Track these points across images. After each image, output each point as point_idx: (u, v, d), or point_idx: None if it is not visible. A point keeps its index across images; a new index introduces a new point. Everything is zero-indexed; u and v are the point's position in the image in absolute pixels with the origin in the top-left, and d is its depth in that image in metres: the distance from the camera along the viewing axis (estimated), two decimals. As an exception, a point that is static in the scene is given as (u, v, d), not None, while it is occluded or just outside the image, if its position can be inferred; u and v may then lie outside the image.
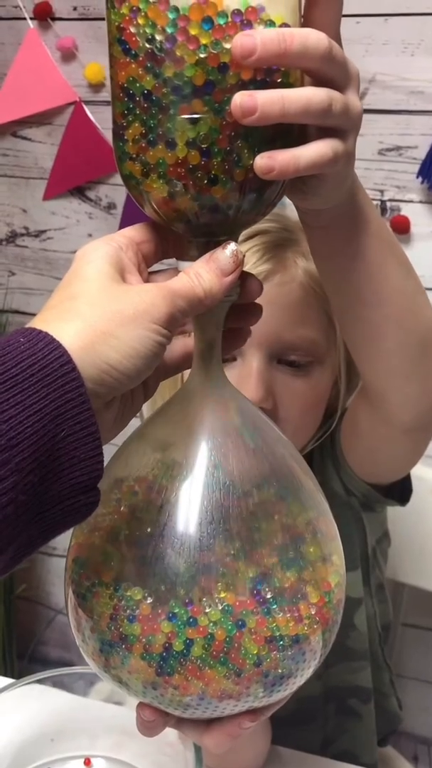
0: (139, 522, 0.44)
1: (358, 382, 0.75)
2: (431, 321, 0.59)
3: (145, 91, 0.39)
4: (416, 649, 1.38)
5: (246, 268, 0.45)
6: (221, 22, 0.38)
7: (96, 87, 1.39)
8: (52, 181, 1.46)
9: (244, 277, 0.45)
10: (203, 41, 0.38)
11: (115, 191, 1.43)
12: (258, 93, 0.38)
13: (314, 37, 0.39)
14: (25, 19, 1.38)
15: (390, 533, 0.89)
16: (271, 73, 0.39)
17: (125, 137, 0.41)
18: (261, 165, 0.39)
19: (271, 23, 0.39)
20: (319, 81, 0.41)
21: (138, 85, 0.40)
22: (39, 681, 0.68)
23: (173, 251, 0.46)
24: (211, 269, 0.42)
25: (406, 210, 1.26)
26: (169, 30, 0.38)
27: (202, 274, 0.42)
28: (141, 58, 0.39)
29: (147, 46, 0.39)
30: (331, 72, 0.41)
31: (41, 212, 1.50)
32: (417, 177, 1.23)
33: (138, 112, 0.40)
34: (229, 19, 0.38)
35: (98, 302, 0.39)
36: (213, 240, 0.43)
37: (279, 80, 0.40)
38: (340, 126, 0.42)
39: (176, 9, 0.38)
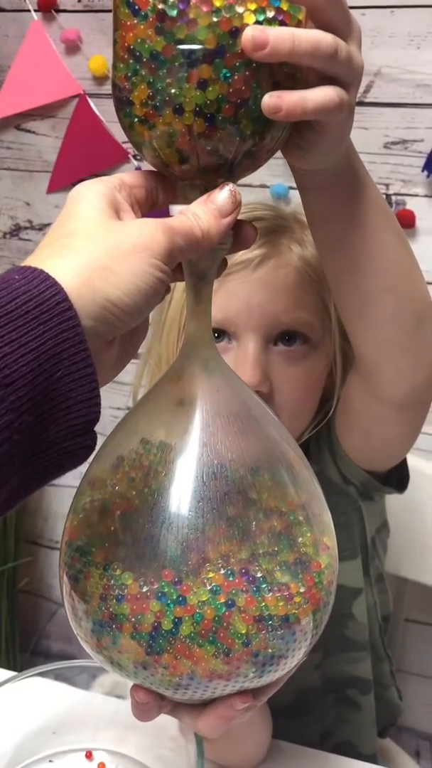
0: (128, 503, 0.44)
1: (351, 366, 0.75)
2: (425, 293, 0.59)
3: (154, 52, 0.39)
4: (419, 644, 1.38)
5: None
6: None
7: (100, 80, 1.38)
8: (56, 175, 1.45)
9: (238, 225, 0.45)
10: (217, 4, 0.38)
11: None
12: (269, 28, 0.39)
13: None
14: (29, 11, 1.37)
15: (393, 529, 0.89)
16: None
17: (131, 99, 0.41)
18: (269, 104, 0.40)
19: None
20: (323, 27, 0.41)
21: (146, 46, 0.40)
22: (41, 674, 0.69)
23: (165, 200, 0.46)
24: (209, 210, 0.42)
25: (412, 204, 1.25)
26: None
27: (199, 215, 0.41)
28: (151, 19, 0.39)
29: (159, 6, 0.39)
30: (335, 16, 0.41)
31: (45, 205, 1.50)
32: (422, 171, 1.23)
33: (144, 73, 0.40)
34: None
35: (95, 238, 0.38)
36: (211, 184, 0.43)
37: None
38: (342, 75, 0.42)
39: None
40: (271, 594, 0.42)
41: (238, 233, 0.45)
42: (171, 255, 0.39)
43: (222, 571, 0.42)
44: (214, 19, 0.38)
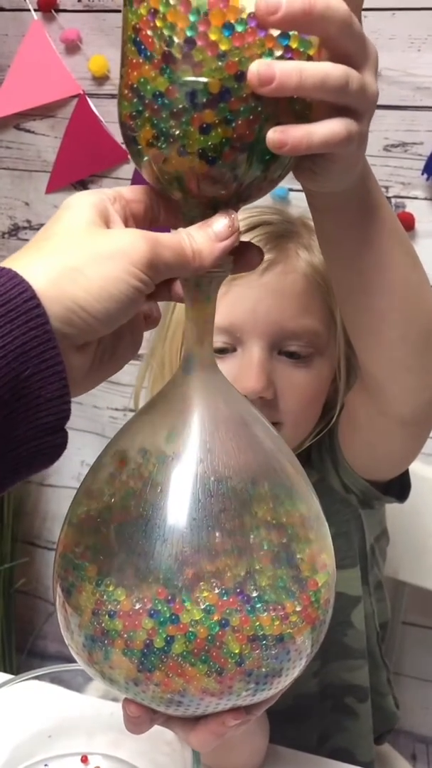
0: (123, 516, 0.43)
1: (357, 378, 0.74)
2: None
3: (157, 93, 0.39)
4: (416, 647, 1.38)
5: (248, 256, 0.44)
6: (240, 29, 0.37)
7: (100, 80, 1.38)
8: (55, 174, 1.45)
9: (245, 246, 0.44)
10: (222, 47, 0.37)
11: (118, 185, 1.42)
12: (276, 62, 0.38)
13: (336, 2, 0.38)
14: (29, 10, 1.37)
15: (391, 532, 0.89)
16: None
17: (136, 138, 0.41)
18: (273, 139, 0.38)
19: None
20: (337, 56, 0.40)
21: (149, 87, 0.39)
22: (37, 677, 0.68)
23: (165, 220, 0.45)
24: (204, 232, 0.41)
25: (411, 206, 1.25)
26: (188, 33, 0.37)
27: (194, 235, 0.41)
28: (156, 60, 0.38)
29: (165, 48, 0.38)
30: (349, 45, 0.40)
31: (44, 205, 1.49)
32: (422, 174, 1.22)
33: (148, 114, 0.40)
34: (248, 27, 0.37)
35: (73, 241, 0.38)
36: (212, 212, 0.42)
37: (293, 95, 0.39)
38: (354, 106, 0.41)
39: (197, 11, 0.37)
40: (266, 614, 0.42)
41: (244, 254, 0.44)
42: (152, 266, 0.38)
43: (216, 591, 0.41)
44: (220, 63, 0.37)
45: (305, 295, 0.71)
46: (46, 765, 0.67)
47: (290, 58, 0.38)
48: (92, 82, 1.38)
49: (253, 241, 0.70)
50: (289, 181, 1.33)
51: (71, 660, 0.45)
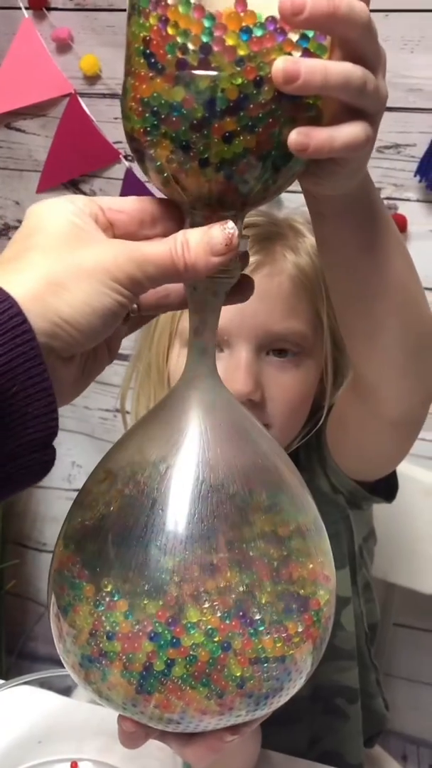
0: (120, 535, 0.42)
1: (343, 379, 0.74)
2: (429, 316, 0.59)
3: (174, 104, 0.37)
4: (406, 648, 1.38)
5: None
6: (258, 33, 0.36)
7: (91, 79, 1.37)
8: (46, 174, 1.44)
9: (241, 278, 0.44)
10: (240, 52, 0.36)
11: (109, 184, 1.42)
12: (301, 60, 0.37)
13: (359, 4, 0.38)
14: (20, 8, 1.36)
15: (380, 534, 0.89)
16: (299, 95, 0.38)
17: (153, 155, 0.39)
18: (296, 141, 0.38)
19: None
20: (354, 58, 0.39)
21: (164, 100, 0.37)
22: (27, 683, 0.68)
23: (162, 224, 0.43)
24: (202, 242, 0.39)
25: (404, 208, 1.25)
26: (204, 39, 0.36)
27: (191, 246, 0.39)
28: (169, 71, 0.37)
29: (179, 56, 0.36)
30: (367, 47, 0.40)
31: (35, 205, 1.49)
32: (415, 175, 1.22)
33: (164, 129, 0.38)
34: (267, 31, 0.36)
35: (56, 253, 0.37)
36: (216, 215, 0.41)
37: (308, 100, 0.38)
38: (369, 108, 0.40)
39: (212, 17, 0.36)
40: (268, 636, 0.41)
41: (238, 284, 0.44)
42: (133, 280, 0.38)
43: (218, 613, 0.40)
44: (238, 68, 0.36)
45: (292, 298, 0.71)
46: (35, 771, 0.66)
47: None
48: (83, 81, 1.38)
49: None
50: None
51: (61, 663, 0.45)
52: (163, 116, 0.38)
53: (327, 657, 0.80)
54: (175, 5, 0.36)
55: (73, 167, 1.41)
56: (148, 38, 0.37)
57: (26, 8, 1.36)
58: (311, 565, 0.44)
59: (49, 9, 1.36)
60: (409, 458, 0.72)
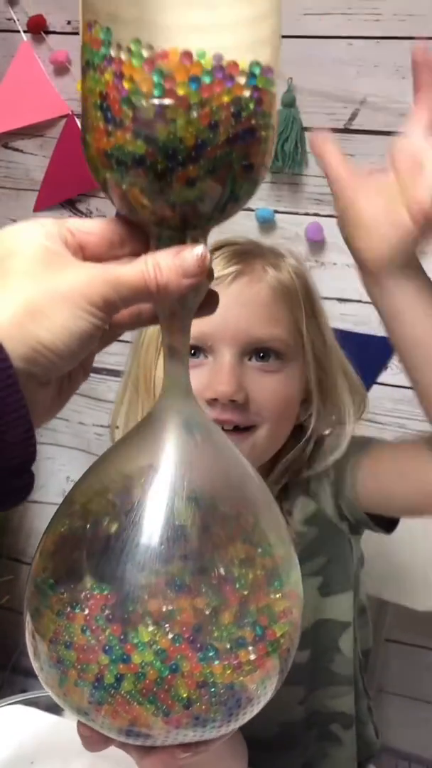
0: (86, 550, 0.43)
1: (333, 406, 0.76)
2: None
3: (137, 157, 0.38)
4: (399, 664, 1.38)
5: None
6: (207, 80, 0.37)
7: (89, 101, 1.39)
8: (43, 193, 1.46)
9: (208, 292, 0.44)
10: (192, 101, 0.37)
11: (105, 204, 1.43)
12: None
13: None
14: (18, 32, 1.38)
15: (375, 553, 0.89)
16: (253, 130, 0.39)
17: (119, 193, 0.40)
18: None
19: (256, 65, 0.38)
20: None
21: (127, 151, 0.38)
22: (21, 701, 0.68)
23: (131, 246, 0.43)
24: (174, 265, 0.40)
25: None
26: (156, 92, 0.37)
27: (162, 268, 0.39)
28: (127, 125, 0.38)
29: (135, 112, 0.37)
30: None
31: (32, 223, 1.50)
32: (406, 198, 1.24)
33: (131, 178, 0.39)
34: (215, 78, 0.37)
35: (32, 278, 0.37)
36: (181, 233, 0.41)
37: (262, 133, 0.40)
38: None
39: (160, 71, 0.36)
40: (218, 662, 0.41)
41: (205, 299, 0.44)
42: (108, 303, 0.38)
43: (170, 636, 0.41)
44: (194, 115, 0.37)
45: (272, 305, 0.73)
46: (28, 791, 0.67)
47: (258, 98, 0.39)
48: (80, 102, 1.39)
49: (219, 257, 0.72)
50: (274, 203, 1.34)
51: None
52: (127, 166, 0.39)
53: (324, 682, 0.81)
54: (128, 60, 0.37)
55: (69, 187, 1.43)
56: (104, 93, 0.38)
57: (25, 32, 1.38)
58: (275, 596, 0.44)
59: (48, 33, 1.38)
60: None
